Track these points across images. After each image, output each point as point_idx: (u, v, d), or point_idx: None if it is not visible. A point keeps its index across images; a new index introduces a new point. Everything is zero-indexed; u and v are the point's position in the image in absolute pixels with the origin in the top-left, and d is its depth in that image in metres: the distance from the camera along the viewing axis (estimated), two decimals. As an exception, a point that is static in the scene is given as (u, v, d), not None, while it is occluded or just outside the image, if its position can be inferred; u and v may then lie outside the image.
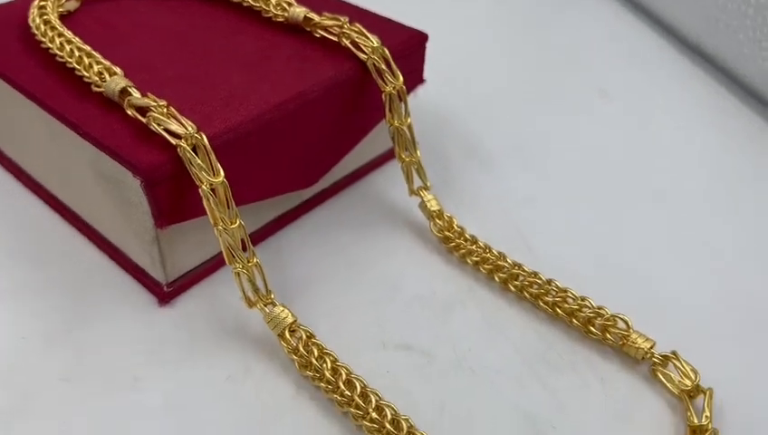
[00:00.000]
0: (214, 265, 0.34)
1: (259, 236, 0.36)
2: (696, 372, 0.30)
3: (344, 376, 0.28)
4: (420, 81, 0.41)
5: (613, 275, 0.36)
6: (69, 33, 0.34)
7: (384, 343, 0.32)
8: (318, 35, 0.36)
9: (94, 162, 0.31)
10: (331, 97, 0.34)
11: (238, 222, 0.29)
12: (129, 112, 0.30)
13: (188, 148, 0.28)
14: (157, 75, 0.33)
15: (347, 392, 0.28)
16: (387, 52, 0.35)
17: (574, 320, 0.32)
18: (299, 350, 0.29)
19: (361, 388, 0.28)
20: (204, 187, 0.28)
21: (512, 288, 0.34)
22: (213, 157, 0.28)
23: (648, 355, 0.31)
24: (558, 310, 0.33)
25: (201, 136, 0.28)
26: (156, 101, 0.29)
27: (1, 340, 0.31)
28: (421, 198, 0.37)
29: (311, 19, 0.36)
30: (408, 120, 0.36)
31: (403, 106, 0.35)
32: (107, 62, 0.32)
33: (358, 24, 0.36)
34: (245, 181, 0.32)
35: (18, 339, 0.31)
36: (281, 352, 0.30)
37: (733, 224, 0.39)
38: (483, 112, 0.48)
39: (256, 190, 0.33)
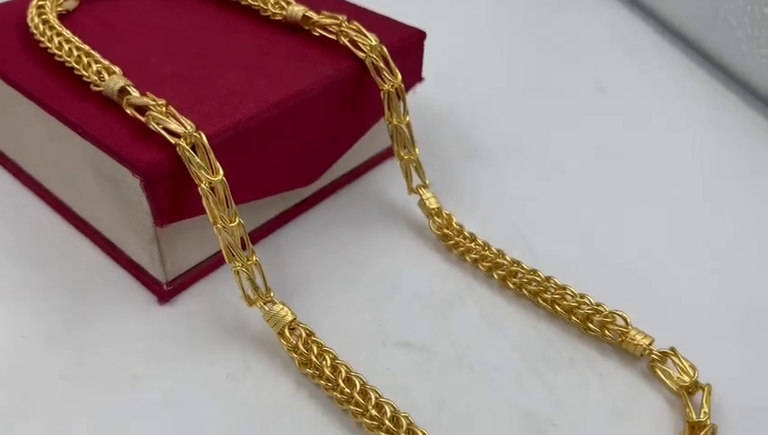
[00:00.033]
0: (213, 263, 0.34)
1: (258, 235, 0.36)
2: (694, 369, 0.30)
3: (344, 374, 0.28)
4: (419, 79, 0.41)
5: (612, 271, 0.36)
6: (67, 33, 0.34)
7: (383, 340, 0.32)
8: (316, 34, 0.36)
9: (93, 161, 0.31)
10: (329, 95, 0.34)
11: (237, 220, 0.29)
12: (128, 111, 0.30)
13: (187, 146, 0.28)
14: (155, 74, 0.33)
15: (346, 390, 0.28)
16: (385, 50, 0.35)
17: (573, 317, 0.32)
18: (299, 348, 0.29)
19: (361, 385, 0.28)
20: (203, 185, 0.28)
21: (510, 285, 0.34)
22: (212, 155, 0.28)
23: (647, 352, 0.31)
24: (557, 307, 0.33)
25: (200, 135, 0.28)
26: (155, 100, 0.29)
27: (1, 339, 0.31)
28: (420, 195, 0.37)
29: (309, 18, 0.37)
30: (407, 119, 0.36)
31: (402, 104, 0.35)
32: (106, 62, 0.32)
33: (356, 23, 0.36)
34: (245, 180, 0.32)
35: (18, 338, 0.31)
36: (280, 350, 0.30)
37: (731, 220, 0.40)
38: (481, 110, 0.48)
39: (255, 189, 0.33)
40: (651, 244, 0.38)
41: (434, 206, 0.37)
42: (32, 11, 0.36)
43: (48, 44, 0.34)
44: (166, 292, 0.33)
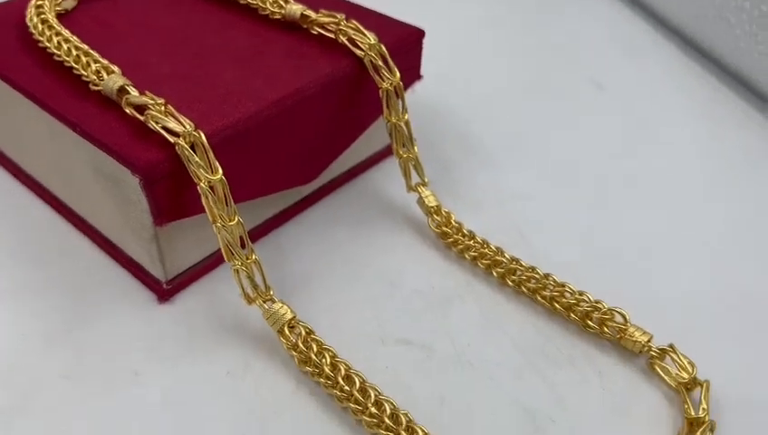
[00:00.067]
0: (213, 262, 0.34)
1: (258, 233, 0.36)
2: (693, 365, 0.30)
3: (343, 371, 0.28)
4: (417, 77, 0.41)
5: (610, 268, 0.36)
6: (66, 32, 0.34)
7: (383, 338, 0.32)
8: (315, 32, 0.37)
9: (93, 161, 0.31)
10: (328, 94, 0.34)
11: (237, 219, 0.29)
12: (127, 111, 0.30)
13: (186, 145, 0.28)
14: (154, 73, 0.33)
15: (346, 388, 0.28)
16: (383, 48, 0.35)
17: (572, 314, 0.32)
18: (298, 346, 0.29)
19: (360, 383, 0.28)
20: (202, 184, 0.28)
21: (510, 283, 0.34)
22: (211, 154, 0.29)
23: (646, 349, 0.31)
24: (556, 304, 0.33)
25: (199, 134, 0.28)
26: (154, 99, 0.29)
27: (1, 339, 0.31)
28: (419, 193, 0.37)
29: (307, 16, 0.37)
30: (406, 117, 0.36)
31: (400, 102, 0.36)
32: (104, 61, 0.32)
33: (354, 21, 0.36)
34: (244, 178, 0.32)
35: (18, 337, 0.31)
36: (280, 348, 0.30)
37: (729, 217, 0.40)
38: (480, 108, 0.48)
39: (254, 187, 0.33)
40: (649, 240, 0.38)
41: (433, 204, 0.37)
42: (30, 11, 0.36)
43: (47, 44, 0.34)
44: (165, 291, 0.33)
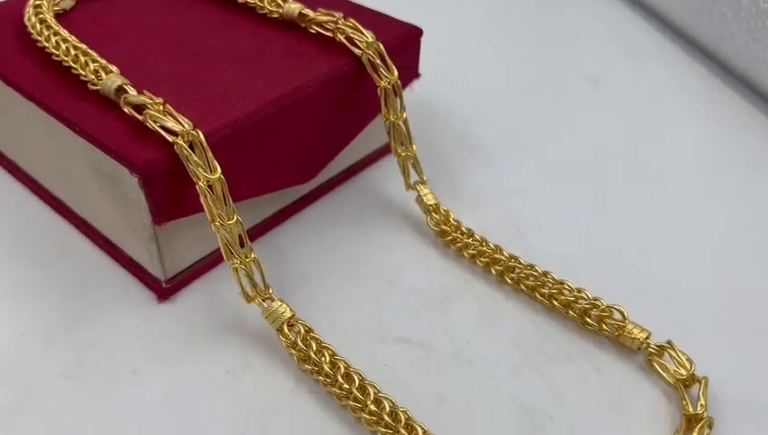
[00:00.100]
0: (212, 261, 0.34)
1: (257, 232, 0.36)
2: (691, 362, 0.30)
3: (343, 369, 0.29)
4: (416, 75, 0.41)
5: (609, 266, 0.36)
6: (65, 32, 0.34)
7: (382, 336, 0.32)
8: (313, 31, 0.37)
9: (91, 160, 0.31)
10: (326, 92, 0.34)
11: (236, 218, 0.29)
12: (125, 110, 0.30)
13: (185, 145, 0.28)
14: (152, 73, 0.33)
15: (345, 386, 0.28)
16: (381, 47, 0.35)
17: (570, 311, 0.32)
18: (297, 344, 0.29)
19: (360, 381, 0.28)
20: (201, 183, 0.28)
21: (508, 281, 0.34)
22: (209, 153, 0.29)
23: (644, 346, 0.31)
24: (554, 302, 0.33)
25: (197, 133, 0.28)
26: (152, 99, 0.30)
27: (1, 338, 0.31)
28: (418, 192, 0.37)
29: (305, 15, 0.37)
30: (404, 115, 0.36)
31: (398, 101, 0.36)
32: (103, 61, 0.32)
33: (352, 20, 0.36)
34: (242, 177, 0.32)
35: (18, 337, 0.31)
36: (279, 346, 0.30)
37: (728, 214, 0.40)
38: (479, 106, 0.48)
39: (253, 186, 0.33)
40: (648, 238, 0.38)
41: (431, 202, 0.37)
42: (29, 10, 0.36)
43: (45, 44, 0.34)
44: (165, 290, 0.33)
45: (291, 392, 0.29)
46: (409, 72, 0.40)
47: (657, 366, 0.30)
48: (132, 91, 0.30)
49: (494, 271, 0.34)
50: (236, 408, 0.29)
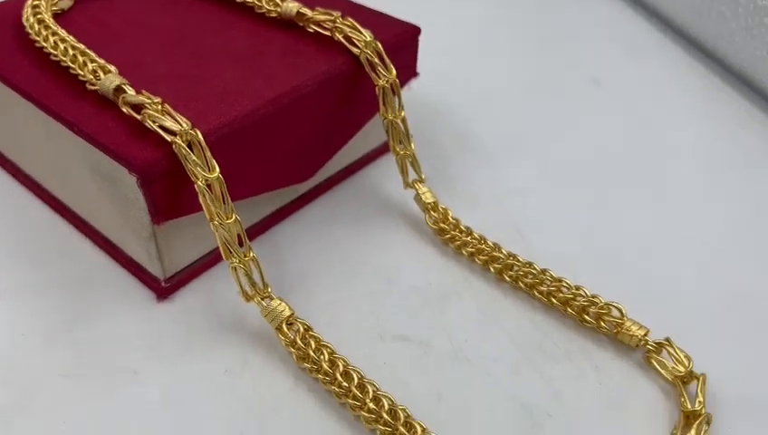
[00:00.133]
0: (211, 260, 0.34)
1: (255, 231, 0.36)
2: (689, 359, 0.30)
3: (342, 368, 0.29)
4: (414, 74, 0.41)
5: (607, 263, 0.36)
6: (63, 32, 0.34)
7: (381, 334, 0.32)
8: (311, 30, 0.37)
9: (90, 160, 0.31)
10: (324, 91, 0.34)
11: (234, 217, 0.29)
12: (123, 110, 0.30)
13: (183, 144, 0.28)
14: (151, 72, 0.33)
15: (344, 384, 0.28)
16: (379, 46, 0.35)
17: (569, 309, 0.32)
18: (296, 342, 0.29)
19: (359, 379, 0.28)
20: (199, 183, 0.28)
21: (507, 279, 0.34)
22: (208, 153, 0.29)
23: (642, 343, 0.31)
24: (553, 299, 0.33)
25: (196, 132, 0.29)
26: (150, 99, 0.30)
27: (1, 338, 0.31)
28: (416, 190, 0.37)
29: (303, 14, 0.37)
30: (402, 114, 0.36)
31: (397, 99, 0.36)
32: (101, 61, 0.32)
33: (350, 19, 0.36)
34: (241, 177, 0.32)
35: (18, 336, 0.31)
36: (278, 345, 0.30)
37: (730, 216, 0.40)
38: (478, 104, 0.48)
39: (252, 185, 0.34)
40: (646, 236, 0.38)
41: (430, 200, 0.37)
42: (27, 11, 0.36)
43: (43, 44, 0.34)
44: (164, 289, 0.33)
45: (290, 391, 0.29)
46: (407, 70, 0.40)
47: (655, 363, 0.30)
48: (131, 91, 0.30)
49: (492, 269, 0.35)
50: (236, 406, 0.29)
